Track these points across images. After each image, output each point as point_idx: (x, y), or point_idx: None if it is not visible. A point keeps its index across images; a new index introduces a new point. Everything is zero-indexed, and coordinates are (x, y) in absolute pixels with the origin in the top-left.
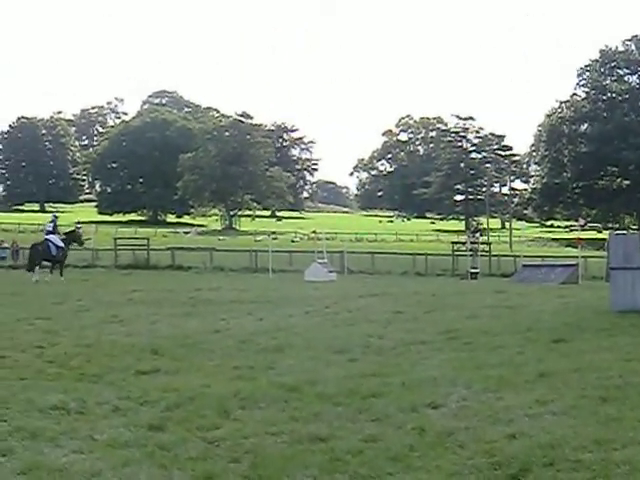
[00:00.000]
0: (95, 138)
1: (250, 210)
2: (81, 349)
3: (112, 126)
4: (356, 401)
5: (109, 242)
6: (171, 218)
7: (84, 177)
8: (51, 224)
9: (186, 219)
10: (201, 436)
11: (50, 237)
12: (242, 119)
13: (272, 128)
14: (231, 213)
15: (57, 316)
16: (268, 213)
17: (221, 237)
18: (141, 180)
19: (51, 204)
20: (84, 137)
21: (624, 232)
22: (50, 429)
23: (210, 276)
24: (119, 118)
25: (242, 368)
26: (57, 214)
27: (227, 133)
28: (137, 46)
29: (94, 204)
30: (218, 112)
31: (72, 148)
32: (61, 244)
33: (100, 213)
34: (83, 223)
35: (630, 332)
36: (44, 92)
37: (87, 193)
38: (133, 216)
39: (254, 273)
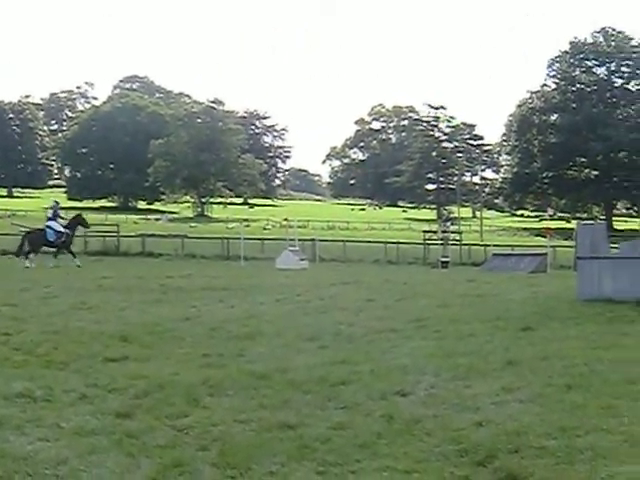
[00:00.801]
0: (64, 123)
1: (222, 197)
2: (48, 336)
3: (82, 111)
4: (325, 389)
5: (79, 228)
6: (142, 205)
7: (53, 162)
8: (51, 210)
9: (157, 206)
10: (170, 424)
11: (50, 223)
12: (214, 105)
13: (244, 115)
14: (203, 200)
15: (24, 303)
16: (240, 200)
17: (192, 224)
18: (111, 166)
19: (19, 189)
20: (53, 122)
21: (592, 222)
22: (16, 417)
23: (181, 263)
24: (89, 103)
25: (212, 356)
26: (58, 200)
27: (199, 119)
28: (107, 30)
29: (63, 190)
30: (190, 98)
31: (41, 133)
32: (60, 229)
33: (70, 199)
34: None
35: (596, 320)
36: (11, 75)
37: (56, 178)
38: (103, 202)
39: (226, 260)
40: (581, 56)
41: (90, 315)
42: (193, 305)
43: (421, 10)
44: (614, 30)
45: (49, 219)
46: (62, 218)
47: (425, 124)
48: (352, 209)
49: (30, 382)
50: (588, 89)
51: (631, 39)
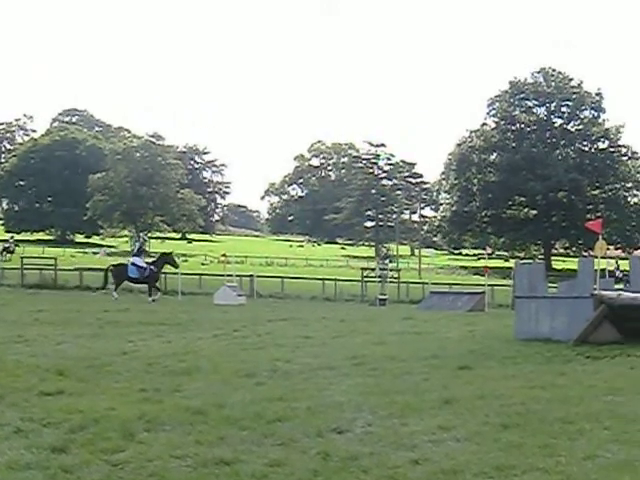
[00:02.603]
0: (3, 155)
1: (160, 232)
2: None
3: (21, 143)
4: (262, 425)
5: (16, 261)
6: (80, 238)
7: None
8: (137, 245)
9: (95, 239)
10: (105, 459)
11: (133, 259)
12: (153, 140)
13: (184, 150)
14: (141, 234)
15: None
16: (178, 235)
17: (130, 258)
18: (50, 199)
19: None
20: None
21: (530, 261)
22: None
23: (118, 297)
24: (28, 135)
25: (148, 390)
26: (145, 237)
27: (138, 154)
28: (46, 62)
29: (0, 222)
30: (129, 132)
31: None
32: (143, 265)
33: (7, 231)
34: None
35: (534, 360)
36: None
37: None
38: (41, 235)
39: (163, 295)
40: (521, 96)
41: (26, 348)
42: (130, 340)
43: (359, 47)
44: (554, 70)
45: (133, 255)
46: (149, 255)
47: (364, 161)
48: (290, 245)
49: None
50: (528, 129)
51: (571, 79)
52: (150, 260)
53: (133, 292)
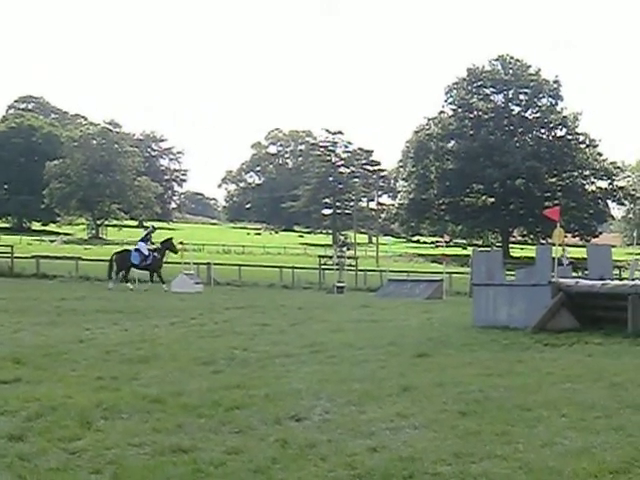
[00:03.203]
0: None
1: (117, 220)
2: None
3: None
4: (219, 413)
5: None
6: (37, 226)
7: None
8: (145, 232)
9: (52, 227)
10: (62, 447)
11: (139, 245)
12: (110, 127)
13: (141, 137)
14: (98, 222)
15: None
16: (135, 223)
17: (87, 246)
18: (6, 186)
19: None
20: None
21: (488, 249)
22: None
23: (75, 285)
24: None
25: (106, 378)
26: (154, 225)
27: (95, 141)
28: (1, 48)
29: None
30: (86, 120)
31: None
32: (146, 252)
33: None
34: None
35: (491, 347)
36: None
37: None
38: None
39: (120, 283)
40: (479, 83)
41: None
42: (87, 328)
43: (317, 35)
44: (512, 58)
45: (140, 240)
46: (152, 243)
47: (322, 149)
48: (248, 233)
49: None
50: (485, 116)
51: (528, 67)
52: (153, 247)
53: (90, 280)
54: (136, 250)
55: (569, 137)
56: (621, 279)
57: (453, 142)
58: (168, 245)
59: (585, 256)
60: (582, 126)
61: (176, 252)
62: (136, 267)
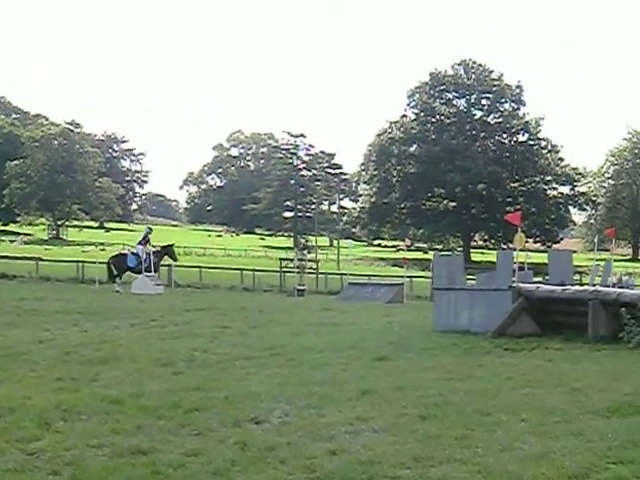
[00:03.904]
0: None
1: (78, 220)
2: None
3: None
4: (179, 415)
5: None
6: None
7: None
8: (142, 235)
9: (12, 227)
10: (20, 448)
11: (137, 248)
12: (71, 128)
13: (102, 138)
14: (59, 223)
15: None
16: (96, 224)
17: (47, 247)
18: None
19: None
20: None
21: (449, 253)
22: None
23: (35, 286)
24: None
25: (65, 380)
26: (151, 227)
27: (56, 142)
28: None
29: None
30: (47, 120)
31: None
32: (143, 255)
33: None
34: None
35: (452, 352)
36: None
37: None
38: None
39: (80, 284)
40: (441, 87)
41: None
42: (47, 328)
43: (280, 38)
44: (474, 62)
45: (138, 243)
46: (152, 245)
47: (284, 152)
48: (209, 235)
49: None
50: (448, 120)
51: (491, 72)
52: (153, 249)
53: (50, 280)
54: (133, 253)
55: (531, 142)
56: (582, 284)
57: (415, 146)
58: (168, 251)
59: (546, 261)
60: (544, 131)
61: (175, 259)
62: (132, 270)
